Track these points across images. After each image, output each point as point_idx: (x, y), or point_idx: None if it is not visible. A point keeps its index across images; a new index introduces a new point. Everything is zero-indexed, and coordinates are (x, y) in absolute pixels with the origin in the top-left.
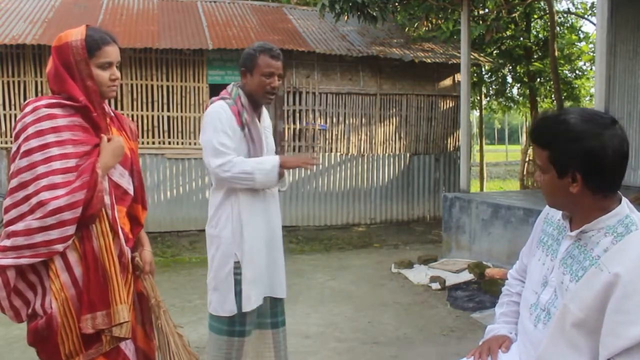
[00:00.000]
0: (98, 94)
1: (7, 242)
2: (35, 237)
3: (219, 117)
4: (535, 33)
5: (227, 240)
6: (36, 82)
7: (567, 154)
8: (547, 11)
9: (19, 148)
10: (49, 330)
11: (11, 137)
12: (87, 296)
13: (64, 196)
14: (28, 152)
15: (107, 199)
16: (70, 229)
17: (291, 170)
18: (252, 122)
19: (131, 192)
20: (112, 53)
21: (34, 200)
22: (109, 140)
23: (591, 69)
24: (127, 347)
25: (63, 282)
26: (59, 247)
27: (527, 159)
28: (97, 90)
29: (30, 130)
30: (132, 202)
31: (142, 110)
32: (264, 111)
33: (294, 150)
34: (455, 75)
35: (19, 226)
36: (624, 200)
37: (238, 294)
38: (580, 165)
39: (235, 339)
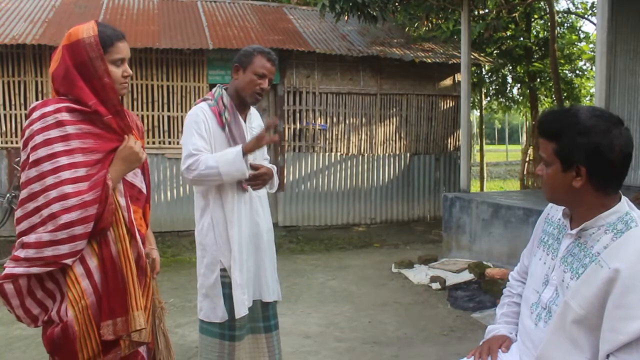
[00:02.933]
0: (116, 90)
1: (22, 254)
2: (45, 251)
3: (195, 119)
4: (535, 33)
5: (211, 248)
6: (36, 82)
7: (575, 147)
8: (547, 11)
9: (27, 157)
10: (65, 339)
11: (11, 136)
12: (107, 302)
13: (76, 209)
14: (36, 162)
15: (122, 201)
16: (81, 244)
17: (290, 170)
18: (235, 122)
19: (145, 190)
20: (124, 49)
21: (45, 212)
22: (128, 145)
23: (591, 69)
24: (142, 347)
25: (84, 289)
26: (68, 261)
27: (527, 159)
28: (114, 87)
29: (38, 139)
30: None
31: (142, 110)
32: (254, 112)
33: (294, 150)
34: (456, 75)
35: (31, 238)
36: (624, 198)
37: (227, 299)
38: (586, 160)
39: (226, 342)
